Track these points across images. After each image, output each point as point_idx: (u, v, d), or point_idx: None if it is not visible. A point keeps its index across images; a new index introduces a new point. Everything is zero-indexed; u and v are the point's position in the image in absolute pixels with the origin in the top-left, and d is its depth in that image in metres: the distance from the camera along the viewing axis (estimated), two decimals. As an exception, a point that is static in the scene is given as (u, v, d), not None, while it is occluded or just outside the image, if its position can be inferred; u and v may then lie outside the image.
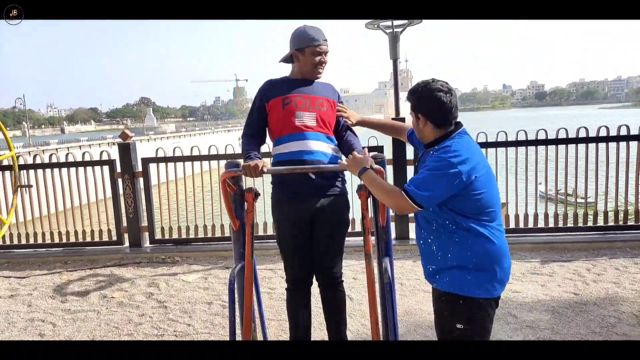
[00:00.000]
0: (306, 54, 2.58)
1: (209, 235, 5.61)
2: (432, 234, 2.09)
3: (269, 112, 2.64)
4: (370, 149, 5.01)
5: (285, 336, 3.37)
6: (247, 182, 2.76)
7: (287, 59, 2.71)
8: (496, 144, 5.20)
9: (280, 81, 2.68)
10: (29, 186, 5.67)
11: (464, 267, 2.01)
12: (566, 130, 5.18)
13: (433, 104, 2.04)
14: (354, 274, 4.54)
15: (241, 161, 2.62)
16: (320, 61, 2.60)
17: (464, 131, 2.10)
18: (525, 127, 5.47)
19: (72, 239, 5.76)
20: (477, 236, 2.00)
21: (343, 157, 2.73)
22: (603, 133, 5.11)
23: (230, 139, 6.16)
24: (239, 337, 2.67)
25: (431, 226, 2.09)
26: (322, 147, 2.61)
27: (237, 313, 2.64)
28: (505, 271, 2.06)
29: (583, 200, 5.34)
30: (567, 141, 5.15)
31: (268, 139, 2.80)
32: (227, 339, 3.36)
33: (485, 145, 5.21)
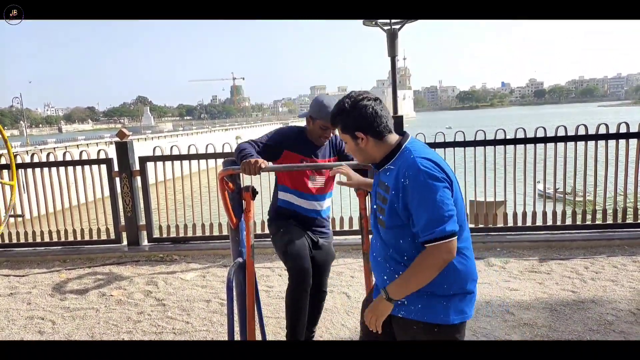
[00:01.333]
0: (316, 124, 2.81)
1: (207, 234, 5.61)
2: (401, 262, 1.82)
3: (283, 157, 2.85)
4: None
5: (283, 333, 3.37)
6: (245, 180, 2.78)
7: (304, 116, 2.91)
8: (495, 142, 5.20)
9: (300, 138, 2.89)
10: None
11: (439, 293, 1.80)
12: (565, 127, 5.18)
13: (367, 115, 1.82)
14: (351, 272, 4.55)
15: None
16: (325, 134, 2.83)
17: (413, 139, 1.89)
18: (524, 125, 5.48)
19: (71, 238, 5.76)
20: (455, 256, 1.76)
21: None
22: (602, 131, 5.10)
23: (227, 138, 6.16)
24: (237, 335, 2.68)
25: (401, 255, 1.82)
26: (326, 204, 3.00)
27: (236, 310, 2.65)
28: (476, 288, 1.89)
29: (582, 199, 5.34)
30: (566, 139, 5.13)
31: None
32: (226, 336, 3.37)
33: (484, 143, 5.21)
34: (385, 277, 1.88)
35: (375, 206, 1.92)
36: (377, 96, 1.91)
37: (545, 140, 5.16)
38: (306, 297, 2.78)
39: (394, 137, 1.88)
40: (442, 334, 1.82)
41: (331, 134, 2.85)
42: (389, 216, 1.81)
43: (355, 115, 1.84)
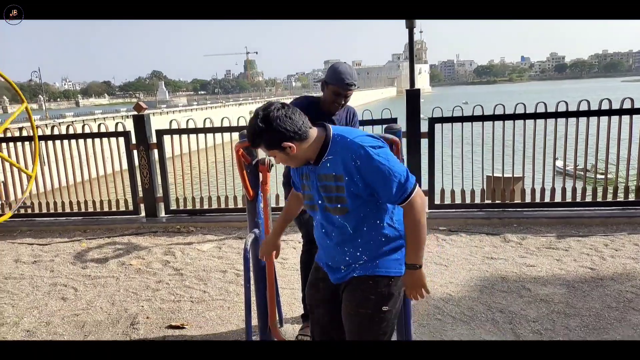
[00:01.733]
0: (329, 89, 2.84)
1: (223, 206, 5.66)
2: (359, 228, 1.92)
3: None
4: (384, 120, 4.98)
5: (297, 304, 3.42)
6: (261, 153, 2.78)
7: (322, 86, 2.93)
8: (514, 116, 5.10)
9: (311, 109, 2.84)
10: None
11: (390, 248, 1.94)
12: (588, 102, 5.04)
13: (284, 124, 1.80)
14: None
15: None
16: (337, 101, 2.85)
17: (334, 126, 1.93)
18: (543, 101, 5.34)
19: (91, 209, 5.87)
20: (397, 211, 1.94)
21: None
22: (627, 105, 4.95)
23: (241, 113, 6.14)
24: (253, 304, 2.72)
25: (379, 223, 1.93)
26: None
27: (252, 281, 2.69)
28: None
29: (602, 176, 5.23)
30: (589, 113, 4.99)
31: None
32: (242, 305, 3.43)
33: (503, 117, 5.11)
34: (348, 257, 1.96)
35: (322, 200, 1.93)
36: (282, 102, 1.88)
37: (566, 114, 5.04)
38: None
39: (314, 131, 1.89)
40: (394, 286, 1.94)
41: (344, 101, 2.86)
42: (351, 200, 1.86)
43: (273, 129, 1.80)
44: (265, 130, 1.80)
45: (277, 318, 2.94)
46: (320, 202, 1.95)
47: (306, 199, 2.03)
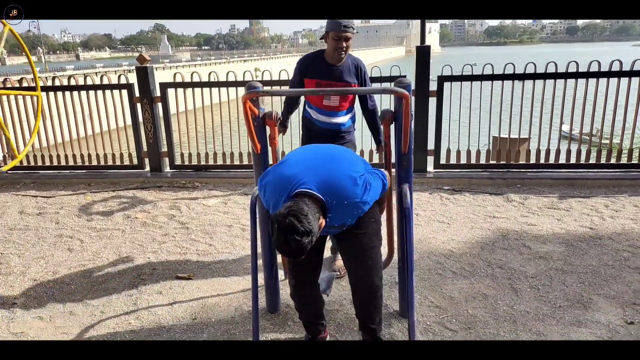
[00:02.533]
0: (329, 37, 2.93)
1: (228, 162, 5.67)
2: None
3: (306, 85, 3.13)
4: (393, 78, 4.90)
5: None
6: (268, 106, 2.79)
7: (323, 38, 3.03)
8: (524, 76, 5.02)
9: (316, 62, 3.08)
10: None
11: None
12: (599, 62, 4.95)
13: (310, 220, 1.86)
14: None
15: (260, 84, 2.61)
16: (339, 46, 2.92)
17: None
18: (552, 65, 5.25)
19: (95, 163, 5.88)
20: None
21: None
22: (638, 67, 4.86)
23: (246, 69, 6.05)
24: (259, 257, 2.77)
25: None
26: (342, 119, 3.18)
27: (259, 234, 2.73)
28: None
29: (607, 141, 5.21)
30: (599, 75, 4.92)
31: None
32: (249, 260, 3.50)
33: (512, 77, 5.04)
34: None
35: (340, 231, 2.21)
36: (286, 211, 1.84)
37: (576, 75, 4.96)
38: None
39: (314, 196, 1.95)
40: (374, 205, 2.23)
41: (345, 45, 2.92)
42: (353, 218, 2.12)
43: (314, 229, 1.85)
44: (310, 232, 1.82)
45: None
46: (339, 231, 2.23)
47: None
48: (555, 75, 4.98)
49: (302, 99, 3.43)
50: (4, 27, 4.16)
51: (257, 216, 2.63)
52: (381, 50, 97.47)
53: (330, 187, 1.98)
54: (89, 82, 5.76)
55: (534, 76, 5.02)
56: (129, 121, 5.71)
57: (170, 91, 5.54)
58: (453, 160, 5.35)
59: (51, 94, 5.81)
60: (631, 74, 4.84)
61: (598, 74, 4.92)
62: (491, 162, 5.32)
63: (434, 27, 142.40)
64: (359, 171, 2.08)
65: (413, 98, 4.99)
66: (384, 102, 5.12)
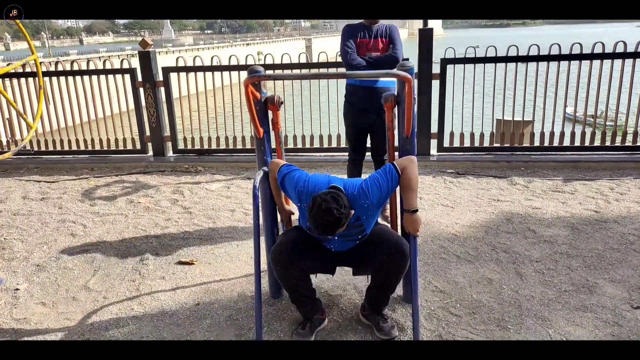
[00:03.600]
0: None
1: (231, 147, 5.65)
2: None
3: (356, 46, 3.61)
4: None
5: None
6: (270, 90, 2.76)
7: None
8: (528, 58, 4.96)
9: (358, 26, 3.64)
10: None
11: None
12: (603, 44, 4.87)
13: (344, 203, 2.22)
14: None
15: (262, 68, 2.58)
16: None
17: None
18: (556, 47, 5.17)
19: (98, 147, 5.88)
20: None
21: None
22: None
23: (249, 53, 5.98)
24: (262, 242, 2.77)
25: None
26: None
27: (261, 219, 2.72)
28: None
29: (612, 123, 5.15)
30: (603, 56, 4.85)
31: None
32: (251, 243, 3.50)
33: (516, 59, 4.97)
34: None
35: (341, 241, 2.43)
36: (321, 197, 2.19)
37: (580, 57, 4.89)
38: (357, 165, 3.86)
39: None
40: None
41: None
42: (371, 218, 2.38)
43: (349, 207, 2.23)
44: (346, 215, 2.20)
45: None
46: (336, 244, 2.44)
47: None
48: (559, 57, 4.92)
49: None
50: (32, 54, 4.43)
51: (260, 200, 2.62)
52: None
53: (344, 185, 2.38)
54: (92, 67, 5.73)
55: (538, 58, 4.96)
56: (131, 106, 5.69)
57: (173, 75, 5.51)
58: (457, 144, 5.31)
59: (54, 78, 5.78)
60: (636, 55, 4.79)
61: (602, 56, 4.86)
62: (495, 145, 5.29)
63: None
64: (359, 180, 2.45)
65: (416, 81, 4.95)
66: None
